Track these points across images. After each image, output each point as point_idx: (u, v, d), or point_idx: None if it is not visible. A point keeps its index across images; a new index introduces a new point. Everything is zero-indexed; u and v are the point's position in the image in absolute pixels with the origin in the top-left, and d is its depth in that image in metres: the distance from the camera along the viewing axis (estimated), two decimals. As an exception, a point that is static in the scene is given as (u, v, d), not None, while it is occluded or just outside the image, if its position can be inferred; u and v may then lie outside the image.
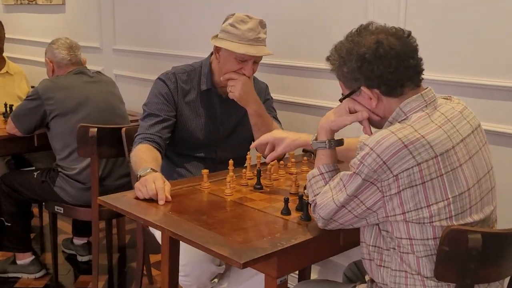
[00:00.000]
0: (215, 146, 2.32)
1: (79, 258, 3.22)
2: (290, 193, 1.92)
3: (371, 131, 1.53)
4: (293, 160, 2.19)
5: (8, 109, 3.17)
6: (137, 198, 1.81)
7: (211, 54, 2.31)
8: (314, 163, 2.23)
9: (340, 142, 1.62)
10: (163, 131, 2.18)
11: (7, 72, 3.65)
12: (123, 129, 2.43)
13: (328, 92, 2.62)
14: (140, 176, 1.87)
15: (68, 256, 3.28)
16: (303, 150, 2.46)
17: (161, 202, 1.76)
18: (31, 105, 2.69)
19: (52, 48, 2.86)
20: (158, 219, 1.64)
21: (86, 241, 3.26)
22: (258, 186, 1.96)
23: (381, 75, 1.43)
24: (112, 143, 2.62)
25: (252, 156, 2.11)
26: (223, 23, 2.19)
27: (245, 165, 2.08)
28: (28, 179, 2.80)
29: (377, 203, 1.39)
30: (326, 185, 1.52)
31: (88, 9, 3.98)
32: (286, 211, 1.70)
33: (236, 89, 2.18)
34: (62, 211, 2.76)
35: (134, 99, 3.07)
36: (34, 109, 2.69)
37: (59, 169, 2.71)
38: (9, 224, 2.89)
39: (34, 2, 4.44)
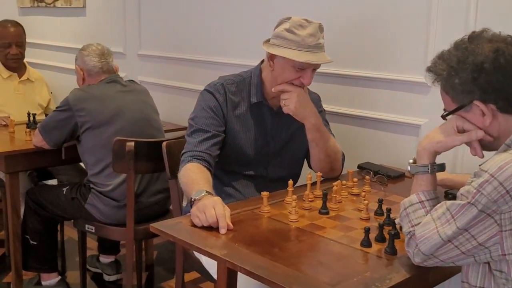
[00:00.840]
0: (266, 163, 2.13)
1: (106, 278, 3.03)
2: (361, 218, 1.73)
3: (482, 153, 1.34)
4: (355, 179, 2.00)
5: (31, 118, 2.99)
6: (193, 225, 1.63)
7: (261, 62, 2.12)
8: (375, 182, 2.09)
9: (442, 167, 1.43)
10: (213, 148, 1.99)
11: (27, 78, 3.46)
12: (164, 143, 2.24)
13: (383, 103, 2.44)
14: (194, 200, 1.69)
15: (93, 274, 3.09)
16: (359, 167, 2.28)
17: (223, 230, 1.58)
18: (61, 116, 2.51)
19: (82, 54, 2.67)
20: (227, 253, 1.45)
21: (113, 259, 3.07)
22: (324, 211, 1.77)
23: (500, 88, 1.25)
24: (150, 158, 2.44)
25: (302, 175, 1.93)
26: (276, 27, 2.00)
27: (289, 186, 1.87)
28: (56, 195, 2.61)
29: (492, 239, 1.21)
30: (426, 214, 1.34)
31: (111, 12, 3.80)
32: (366, 243, 1.51)
33: (291, 102, 2.00)
34: (93, 230, 2.57)
35: (160, 107, 2.89)
36: (65, 121, 2.50)
37: (91, 185, 2.52)
38: (35, 243, 2.70)
39: (52, 5, 4.25)
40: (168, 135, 2.81)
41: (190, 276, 2.53)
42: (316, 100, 2.20)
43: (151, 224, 1.67)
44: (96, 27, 3.94)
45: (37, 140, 2.60)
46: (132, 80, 2.77)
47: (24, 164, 2.66)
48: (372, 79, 2.45)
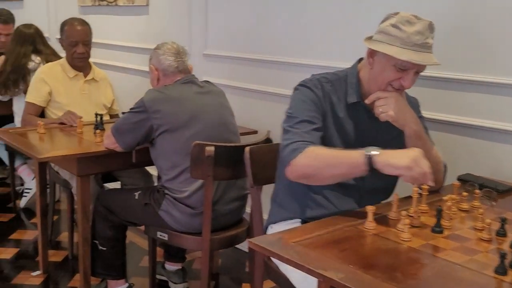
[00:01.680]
0: (363, 171, 1.96)
1: (172, 286, 2.91)
2: (482, 239, 1.55)
3: None
4: (464, 193, 1.82)
5: (99, 119, 2.89)
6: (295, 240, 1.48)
7: (358, 61, 1.96)
8: (482, 197, 1.89)
9: None
10: (319, 142, 1.80)
11: (93, 78, 3.38)
12: (247, 149, 2.10)
13: (481, 108, 2.24)
14: (371, 156, 1.63)
15: (159, 282, 2.97)
16: (459, 179, 2.09)
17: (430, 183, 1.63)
18: (136, 118, 2.39)
19: (157, 53, 2.56)
20: (345, 277, 1.29)
21: (180, 267, 2.95)
22: (438, 229, 1.59)
23: None
24: (229, 164, 2.31)
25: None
26: (382, 22, 1.84)
27: (394, 200, 1.71)
28: (128, 200, 2.51)
29: None
30: None
31: (176, 10, 3.69)
32: (502, 270, 1.33)
33: (389, 108, 1.82)
34: (166, 238, 2.45)
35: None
36: (140, 123, 2.39)
37: (166, 191, 2.40)
38: (104, 249, 2.61)
39: (114, 3, 4.18)
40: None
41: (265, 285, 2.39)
42: (415, 105, 2.02)
43: (249, 240, 1.53)
44: (159, 25, 3.85)
45: (109, 142, 2.50)
46: (207, 81, 2.64)
47: (95, 167, 2.57)
48: (471, 82, 2.25)
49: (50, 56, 3.76)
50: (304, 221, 1.96)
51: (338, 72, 1.96)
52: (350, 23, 2.68)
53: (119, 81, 3.94)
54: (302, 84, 1.90)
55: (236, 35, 3.31)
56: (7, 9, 4.36)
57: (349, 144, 1.88)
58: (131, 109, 2.45)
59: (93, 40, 4.42)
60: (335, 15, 2.74)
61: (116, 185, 3.36)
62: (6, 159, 4.01)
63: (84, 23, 3.28)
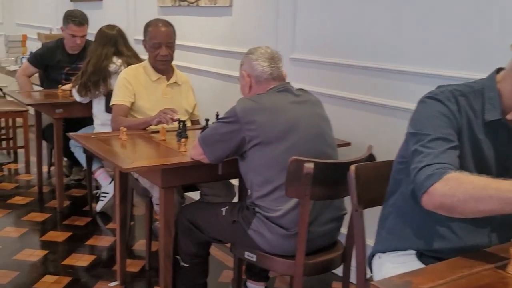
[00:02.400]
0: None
1: (255, 306, 2.73)
2: None
3: None
4: None
5: (181, 126, 2.74)
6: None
7: (496, 71, 1.68)
8: None
9: None
10: (457, 163, 1.54)
11: (175, 82, 3.24)
12: (353, 168, 1.87)
13: None
14: None
15: (240, 301, 2.79)
16: None
17: None
18: (228, 128, 2.21)
19: (250, 59, 2.37)
20: None
21: (263, 287, 2.75)
22: None
23: None
24: (328, 182, 2.09)
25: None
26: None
27: None
28: (215, 216, 2.33)
29: None
30: None
31: (261, 11, 3.50)
32: None
33: None
34: (254, 259, 2.25)
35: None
36: (231, 134, 2.20)
37: (257, 209, 2.21)
38: (186, 265, 2.45)
39: (195, 4, 4.04)
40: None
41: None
42: None
43: (372, 283, 1.30)
44: (243, 27, 3.67)
45: (196, 153, 2.33)
46: (303, 89, 2.42)
47: (180, 178, 2.41)
48: None
49: (131, 58, 3.66)
50: (420, 254, 1.72)
51: (472, 84, 1.68)
52: (476, 24, 2.38)
53: (197, 84, 3.79)
54: (431, 97, 1.64)
55: (327, 38, 3.08)
56: (81, 10, 4.33)
57: (485, 169, 1.60)
58: (221, 118, 2.27)
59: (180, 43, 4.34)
60: (457, 16, 2.46)
61: (196, 194, 3.21)
62: (83, 162, 3.95)
63: (168, 24, 3.15)
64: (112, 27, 3.72)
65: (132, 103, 3.12)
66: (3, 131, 5.81)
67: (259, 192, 2.20)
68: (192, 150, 2.37)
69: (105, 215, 3.91)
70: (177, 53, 4.23)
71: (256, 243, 2.21)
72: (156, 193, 2.87)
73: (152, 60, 3.14)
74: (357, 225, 1.93)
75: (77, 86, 3.64)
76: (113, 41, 3.65)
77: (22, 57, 5.65)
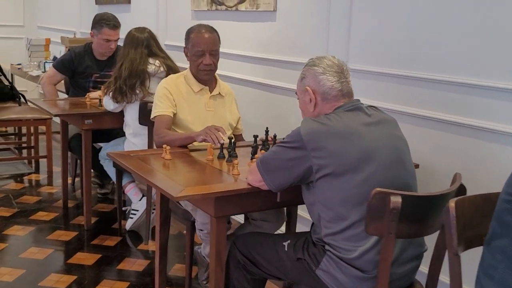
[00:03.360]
0: None
1: None
2: None
3: None
4: None
5: (232, 144, 2.46)
6: None
7: None
8: None
9: None
10: None
11: (219, 93, 2.96)
12: (452, 203, 1.57)
13: None
14: None
15: None
16: None
17: None
18: (291, 155, 1.91)
19: (315, 72, 2.06)
20: None
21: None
22: None
23: None
24: (415, 217, 1.80)
25: None
26: None
27: None
28: (275, 251, 2.04)
29: None
30: None
31: (310, 16, 3.21)
32: None
33: None
34: (323, 303, 1.96)
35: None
36: (295, 162, 1.90)
37: (327, 247, 1.91)
38: (238, 304, 2.16)
39: (234, 8, 3.76)
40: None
41: None
42: None
43: None
44: (288, 34, 3.38)
45: (254, 179, 2.04)
46: (374, 107, 2.12)
47: (235, 207, 2.12)
48: None
49: (167, 60, 3.41)
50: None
51: None
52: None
53: (236, 95, 3.51)
54: None
55: (388, 46, 2.77)
56: (111, 13, 4.07)
57: None
58: (283, 142, 1.97)
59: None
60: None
61: (239, 216, 2.93)
62: (113, 176, 3.68)
63: (212, 30, 2.87)
64: (142, 29, 3.46)
65: (174, 114, 2.84)
66: (23, 138, 5.59)
67: (329, 229, 1.90)
68: (249, 175, 2.08)
69: (136, 234, 3.63)
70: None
71: (326, 284, 1.91)
72: (200, 218, 2.59)
73: (195, 70, 2.86)
74: (454, 270, 1.63)
75: (110, 93, 3.37)
76: (145, 43, 3.39)
77: (45, 62, 5.43)
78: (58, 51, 5.86)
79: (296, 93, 2.19)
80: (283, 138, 2.00)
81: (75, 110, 3.60)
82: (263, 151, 2.47)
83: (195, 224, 2.66)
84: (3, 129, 5.93)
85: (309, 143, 1.87)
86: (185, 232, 3.10)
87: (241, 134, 3.09)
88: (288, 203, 2.23)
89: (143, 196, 3.61)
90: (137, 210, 3.60)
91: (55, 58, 5.61)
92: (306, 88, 2.06)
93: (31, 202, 4.15)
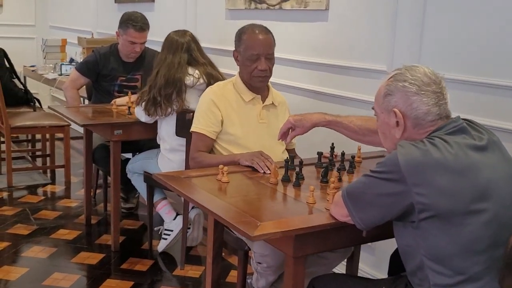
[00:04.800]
0: None
1: None
2: None
3: None
4: None
5: (299, 170, 2.10)
6: None
7: None
8: None
9: None
10: None
11: (272, 103, 2.60)
12: None
13: None
14: None
15: None
16: None
17: None
18: (387, 188, 1.53)
19: (406, 91, 1.62)
20: None
21: None
22: None
23: None
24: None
25: None
26: None
27: None
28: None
29: None
30: None
31: (371, 16, 2.85)
32: None
33: None
34: None
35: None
36: (392, 198, 1.53)
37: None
38: None
39: (277, 7, 3.40)
40: None
41: None
42: None
43: None
44: (343, 36, 3.02)
45: (339, 213, 1.68)
46: (471, 121, 1.71)
47: (315, 245, 1.75)
48: None
49: (208, 67, 3.04)
50: None
51: None
52: None
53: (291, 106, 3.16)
54: None
55: (472, 51, 2.42)
56: (141, 13, 3.72)
57: None
58: (375, 171, 1.58)
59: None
60: None
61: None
62: (143, 193, 3.33)
63: (267, 31, 2.52)
64: (183, 33, 3.09)
65: (219, 131, 2.49)
66: (37, 144, 5.23)
67: (440, 280, 1.52)
68: (333, 208, 1.72)
69: (169, 257, 3.28)
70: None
71: None
72: (258, 249, 2.23)
73: (247, 76, 2.50)
74: None
75: (143, 103, 3.01)
76: (186, 48, 3.02)
77: (62, 64, 5.07)
78: (74, 52, 5.51)
79: (373, 108, 1.80)
80: (375, 166, 1.62)
81: (104, 119, 3.24)
82: (335, 172, 2.11)
83: (253, 255, 2.30)
84: (14, 134, 5.57)
85: (411, 176, 1.50)
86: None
87: (294, 149, 2.74)
88: (374, 238, 1.88)
89: (177, 214, 3.25)
90: (171, 231, 3.25)
91: (71, 60, 5.27)
92: (394, 110, 1.66)
93: (50, 218, 3.79)
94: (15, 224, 3.66)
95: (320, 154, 2.31)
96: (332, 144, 2.37)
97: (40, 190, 4.42)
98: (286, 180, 2.11)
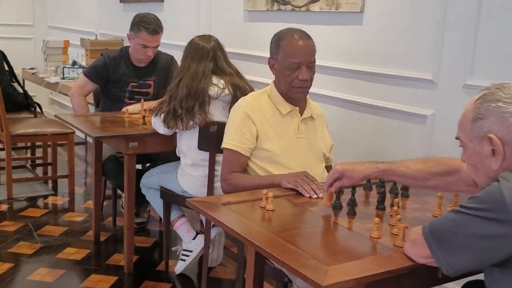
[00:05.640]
0: None
1: None
2: None
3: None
4: None
5: (352, 195, 1.84)
6: None
7: None
8: None
9: None
10: None
11: (310, 116, 2.35)
12: None
13: None
14: None
15: None
16: None
17: None
18: (488, 229, 1.27)
19: (501, 112, 1.37)
20: None
21: None
22: None
23: None
24: None
25: None
26: None
27: None
28: None
29: None
30: None
31: (414, 19, 2.60)
32: None
33: None
34: None
35: None
36: (494, 241, 1.27)
37: None
38: None
39: (304, 9, 3.15)
40: None
41: None
42: None
43: None
44: (380, 40, 2.77)
45: (418, 253, 1.43)
46: None
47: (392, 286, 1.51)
48: None
49: (234, 77, 2.77)
50: None
51: None
52: None
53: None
54: None
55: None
56: (153, 14, 3.46)
57: None
58: (471, 207, 1.32)
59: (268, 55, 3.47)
60: None
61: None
62: (160, 210, 3.06)
63: (307, 36, 2.26)
64: (207, 38, 2.82)
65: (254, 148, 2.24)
66: (38, 152, 4.95)
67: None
68: (410, 247, 1.47)
69: (187, 279, 3.02)
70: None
71: None
72: (302, 283, 1.97)
73: (285, 86, 2.24)
74: None
75: (162, 115, 2.75)
76: (211, 55, 2.75)
77: (64, 67, 4.78)
78: (76, 54, 5.22)
79: (457, 138, 1.53)
80: (469, 201, 1.37)
81: (117, 130, 2.96)
82: (397, 199, 1.85)
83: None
84: (15, 142, 5.28)
85: None
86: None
87: (331, 165, 2.49)
88: (450, 278, 1.62)
89: (197, 233, 2.99)
90: (190, 251, 2.97)
91: (74, 62, 4.98)
92: (489, 137, 1.40)
93: (55, 235, 3.51)
94: (17, 241, 3.38)
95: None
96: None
97: (42, 202, 4.14)
98: (338, 207, 1.86)
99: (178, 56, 3.18)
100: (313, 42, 2.27)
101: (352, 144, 2.87)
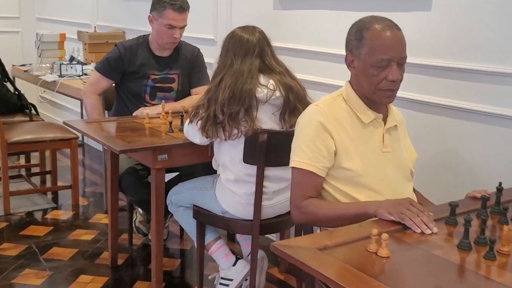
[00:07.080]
0: None
1: None
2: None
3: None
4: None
5: (483, 228, 1.43)
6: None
7: None
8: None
9: None
10: None
11: (395, 125, 1.91)
12: None
13: None
14: None
15: None
16: None
17: None
18: None
19: None
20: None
21: None
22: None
23: None
24: None
25: None
26: None
27: None
28: None
29: None
30: None
31: (501, 7, 2.18)
32: None
33: None
34: None
35: None
36: None
37: None
38: None
39: (352, -7, 2.71)
40: None
41: None
42: None
43: None
44: (453, 29, 2.34)
45: None
46: None
47: None
48: None
49: (285, 76, 2.33)
50: None
51: None
52: None
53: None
54: None
55: None
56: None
57: None
58: None
59: (306, 48, 3.04)
60: None
61: None
62: (192, 232, 2.60)
63: (396, 26, 1.81)
64: (251, 30, 2.36)
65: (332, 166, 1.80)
66: (33, 157, 4.45)
67: None
68: None
69: (227, 313, 2.58)
70: (317, 66, 2.96)
71: None
72: None
73: (369, 88, 1.79)
74: None
75: (199, 121, 2.30)
76: (257, 51, 2.30)
77: (61, 63, 4.27)
78: (72, 48, 4.71)
79: None
80: None
81: (142, 141, 2.48)
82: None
83: None
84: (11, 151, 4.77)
85: None
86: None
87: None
88: None
89: (237, 259, 2.56)
90: (230, 280, 2.54)
91: (72, 58, 4.48)
92: None
93: (64, 259, 3.05)
94: (21, 269, 2.91)
95: (485, 199, 1.64)
96: (500, 184, 1.70)
97: (43, 218, 3.66)
98: (467, 247, 1.43)
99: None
100: (402, 34, 1.83)
101: (420, 152, 2.45)
